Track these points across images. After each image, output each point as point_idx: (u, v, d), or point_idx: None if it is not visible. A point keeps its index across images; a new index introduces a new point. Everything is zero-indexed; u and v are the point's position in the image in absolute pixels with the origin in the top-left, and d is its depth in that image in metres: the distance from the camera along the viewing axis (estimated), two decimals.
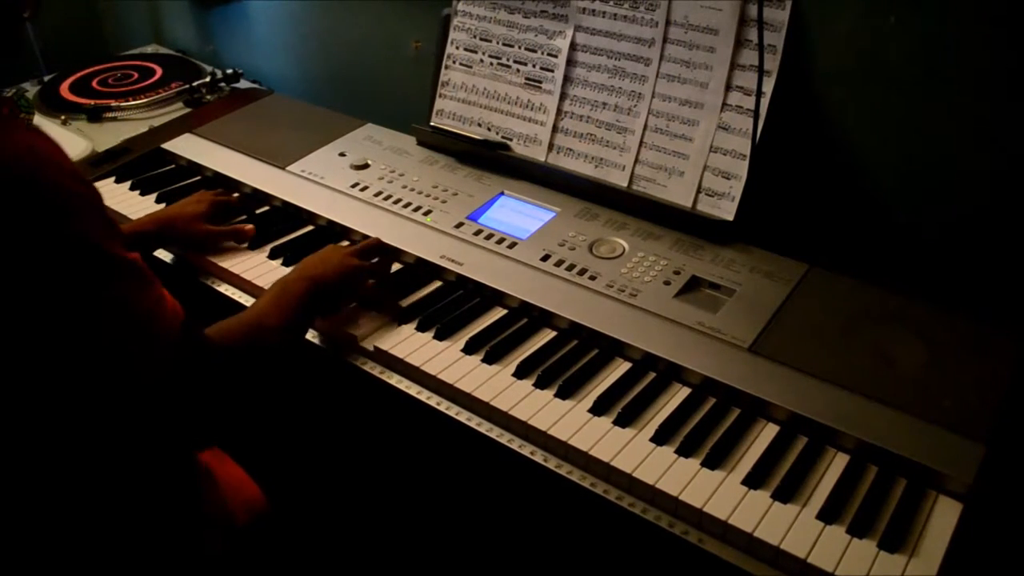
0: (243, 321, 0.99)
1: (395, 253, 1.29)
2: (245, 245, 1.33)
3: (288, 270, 1.24)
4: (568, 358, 1.09)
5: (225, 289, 1.28)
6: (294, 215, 1.42)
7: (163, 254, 1.35)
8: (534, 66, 1.42)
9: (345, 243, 1.30)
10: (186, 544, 1.01)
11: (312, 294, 1.08)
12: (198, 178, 1.55)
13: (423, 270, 1.27)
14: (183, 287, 1.10)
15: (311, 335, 1.16)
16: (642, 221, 1.30)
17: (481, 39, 1.47)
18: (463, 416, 1.04)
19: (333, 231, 1.37)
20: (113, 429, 0.88)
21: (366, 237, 1.33)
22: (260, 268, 1.28)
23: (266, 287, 1.21)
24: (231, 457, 1.17)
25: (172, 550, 0.99)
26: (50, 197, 0.77)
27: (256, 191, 1.48)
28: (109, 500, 0.92)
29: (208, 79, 1.90)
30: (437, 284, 1.25)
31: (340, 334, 1.14)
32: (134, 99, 1.85)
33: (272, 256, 1.31)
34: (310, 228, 1.39)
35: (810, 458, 0.94)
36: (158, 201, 1.47)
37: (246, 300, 1.25)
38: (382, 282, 1.21)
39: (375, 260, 1.24)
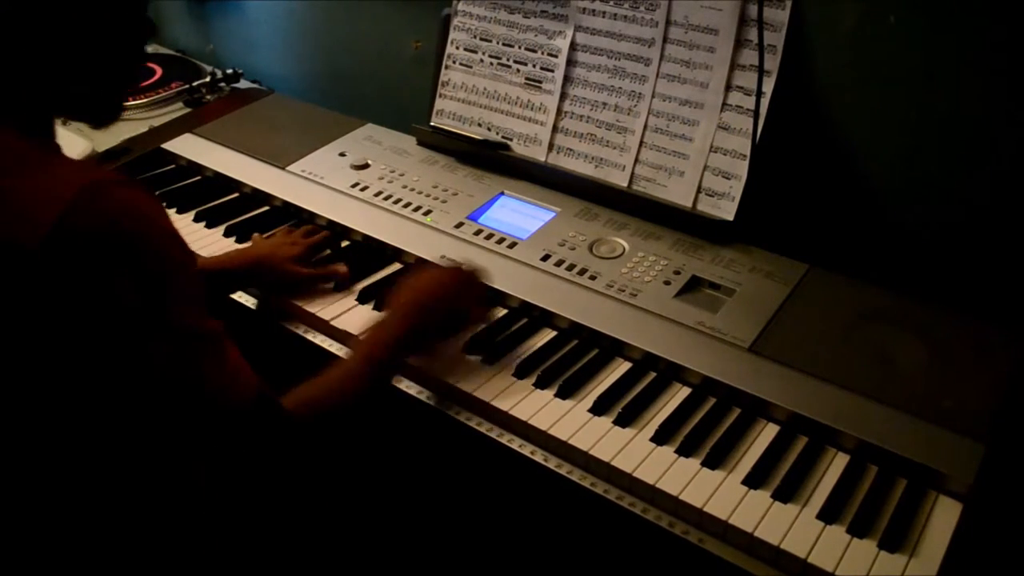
0: (327, 386, 0.94)
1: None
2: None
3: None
4: (568, 358, 1.09)
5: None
6: (378, 250, 1.32)
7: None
8: (534, 66, 1.42)
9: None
10: (198, 543, 1.01)
11: (414, 332, 1.01)
12: (198, 178, 1.55)
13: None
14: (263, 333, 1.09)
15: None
16: (642, 221, 1.30)
17: (481, 39, 1.47)
18: (463, 416, 1.04)
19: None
20: (178, 488, 0.88)
21: (367, 237, 1.33)
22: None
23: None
24: None
25: (187, 550, 0.99)
26: (150, 262, 0.76)
27: (256, 191, 1.48)
28: (138, 520, 0.91)
29: (208, 79, 1.90)
30: None
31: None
32: (134, 99, 1.84)
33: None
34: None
35: (810, 458, 0.94)
36: None
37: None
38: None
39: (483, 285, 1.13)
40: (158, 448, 0.84)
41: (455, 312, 1.07)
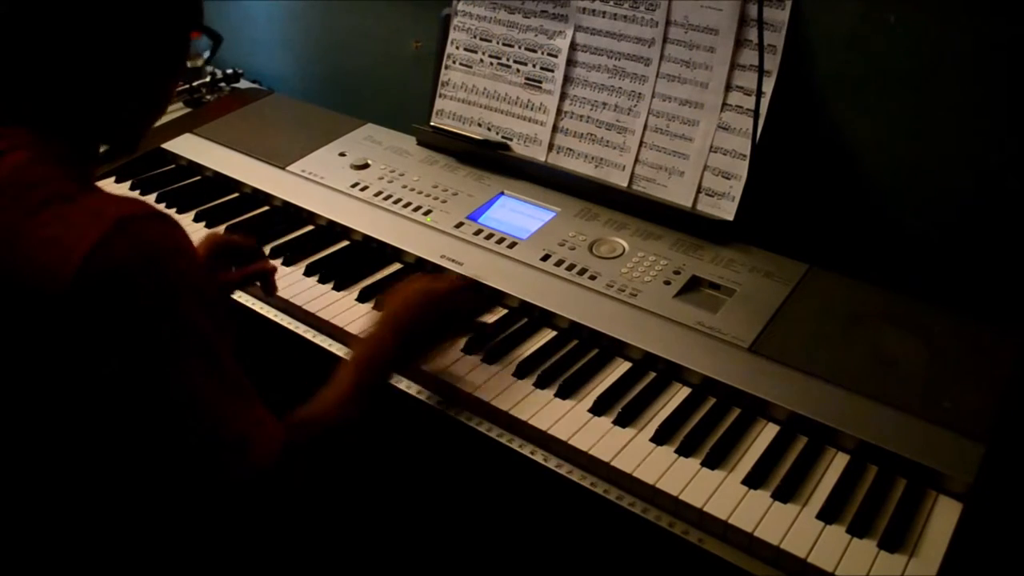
0: (327, 421, 0.91)
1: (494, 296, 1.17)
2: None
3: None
4: (568, 358, 1.09)
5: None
6: (293, 215, 1.40)
7: None
8: (534, 66, 1.42)
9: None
10: (202, 550, 1.01)
11: (398, 354, 0.99)
12: (198, 178, 1.55)
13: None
14: None
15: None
16: (642, 221, 1.30)
17: (481, 39, 1.47)
18: (463, 416, 1.03)
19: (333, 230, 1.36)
20: (174, 509, 0.87)
21: (367, 237, 1.33)
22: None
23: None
24: None
25: (190, 556, 0.99)
26: (182, 297, 0.75)
27: (256, 191, 1.48)
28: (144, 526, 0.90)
29: (208, 79, 1.90)
30: None
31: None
32: None
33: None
34: (310, 228, 1.38)
35: (810, 458, 0.94)
36: (158, 201, 1.47)
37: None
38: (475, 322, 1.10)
39: (470, 300, 1.09)
40: (169, 484, 0.83)
41: (446, 326, 1.04)
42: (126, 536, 0.88)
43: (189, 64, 0.91)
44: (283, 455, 0.81)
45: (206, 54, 1.00)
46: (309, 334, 1.18)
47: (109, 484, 0.83)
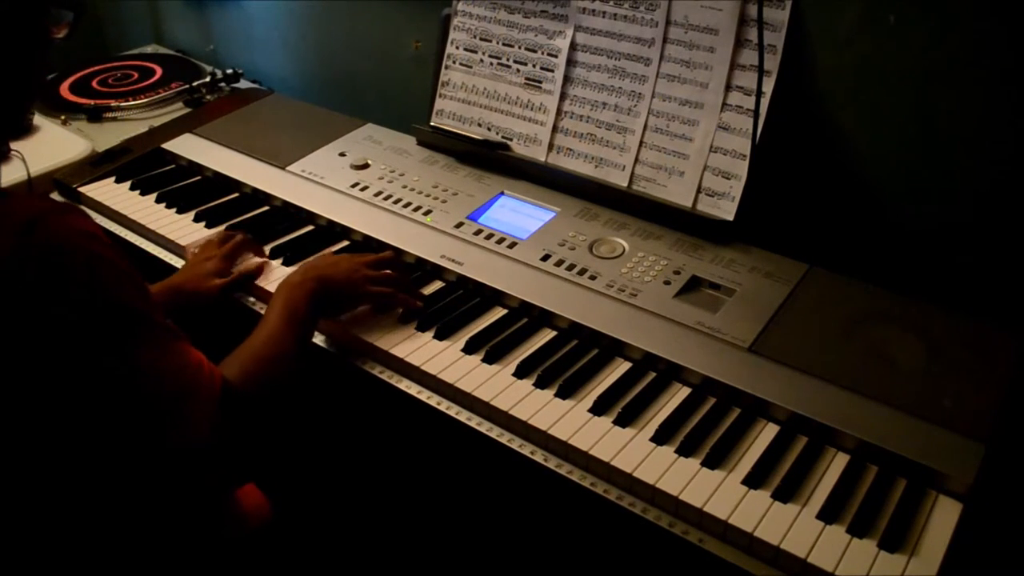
0: (260, 356, 0.98)
1: (410, 268, 1.25)
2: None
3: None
4: (568, 358, 1.09)
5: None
6: (293, 215, 1.41)
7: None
8: (534, 66, 1.42)
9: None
10: (195, 555, 1.01)
11: (317, 294, 1.07)
12: (198, 178, 1.55)
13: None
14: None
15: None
16: (642, 221, 1.30)
17: (481, 39, 1.47)
18: (463, 416, 1.04)
19: (333, 231, 1.37)
20: (150, 481, 0.89)
21: (367, 237, 1.33)
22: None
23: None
24: None
25: (182, 561, 0.99)
26: (103, 276, 0.79)
27: (256, 191, 1.48)
28: (128, 525, 0.93)
29: (208, 79, 1.90)
30: (437, 284, 1.25)
31: (352, 340, 1.14)
32: (134, 99, 1.85)
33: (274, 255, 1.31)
34: (310, 228, 1.38)
35: (810, 458, 0.94)
36: (158, 201, 1.47)
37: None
38: (396, 287, 1.16)
39: (388, 272, 1.17)
40: (131, 455, 0.85)
41: (354, 283, 1.12)
42: (92, 521, 0.90)
43: (54, 35, 0.90)
44: (224, 390, 0.87)
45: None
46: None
47: (74, 471, 0.86)
